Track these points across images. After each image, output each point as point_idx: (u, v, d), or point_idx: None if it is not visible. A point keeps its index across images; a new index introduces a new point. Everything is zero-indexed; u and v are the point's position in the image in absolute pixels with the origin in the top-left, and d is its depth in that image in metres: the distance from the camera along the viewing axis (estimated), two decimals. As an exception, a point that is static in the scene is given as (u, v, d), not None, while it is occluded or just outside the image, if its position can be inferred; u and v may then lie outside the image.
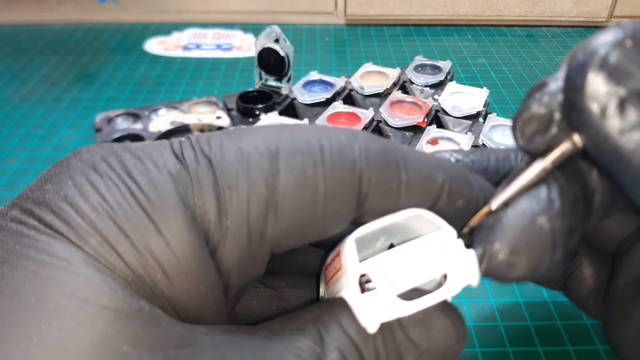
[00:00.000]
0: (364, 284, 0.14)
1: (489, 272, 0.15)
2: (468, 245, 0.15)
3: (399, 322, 0.15)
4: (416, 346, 0.15)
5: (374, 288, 0.14)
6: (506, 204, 0.15)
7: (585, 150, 0.15)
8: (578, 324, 0.28)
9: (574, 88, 0.14)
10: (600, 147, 0.14)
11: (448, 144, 0.38)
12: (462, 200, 0.16)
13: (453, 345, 0.15)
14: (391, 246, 0.17)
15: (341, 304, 0.15)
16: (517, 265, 0.15)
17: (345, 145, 0.15)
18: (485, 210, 0.16)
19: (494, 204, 0.16)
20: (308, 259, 0.19)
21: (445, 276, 0.15)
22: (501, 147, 0.37)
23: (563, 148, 0.15)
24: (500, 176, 0.18)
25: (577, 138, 0.14)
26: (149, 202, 0.13)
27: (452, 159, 0.19)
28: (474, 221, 0.16)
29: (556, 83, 0.15)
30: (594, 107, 0.13)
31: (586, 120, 0.14)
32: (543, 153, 0.15)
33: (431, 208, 0.16)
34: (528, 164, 0.16)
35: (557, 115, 0.15)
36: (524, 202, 0.15)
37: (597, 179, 0.16)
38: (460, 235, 0.15)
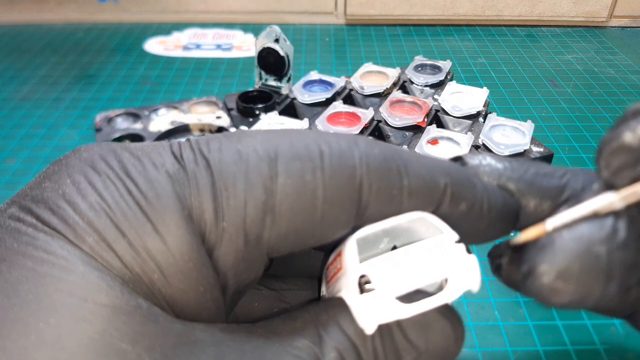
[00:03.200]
0: (363, 285, 0.14)
1: (531, 293, 0.14)
2: (469, 250, 0.15)
3: (398, 322, 0.14)
4: (414, 347, 0.14)
5: (373, 289, 0.14)
6: (564, 226, 0.14)
7: None
8: (578, 323, 0.28)
9: None
10: None
11: (448, 143, 0.38)
12: (465, 204, 0.16)
13: (451, 346, 0.15)
14: (394, 249, 0.17)
15: (340, 304, 0.15)
16: (563, 292, 0.14)
17: (346, 152, 0.14)
18: (540, 228, 0.15)
19: (550, 224, 0.14)
20: (310, 261, 0.19)
21: (446, 280, 0.15)
22: (509, 149, 0.36)
23: None
24: (534, 189, 0.16)
25: None
26: (146, 201, 0.13)
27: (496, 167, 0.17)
28: (524, 237, 0.15)
29: None
30: None
31: None
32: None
33: (434, 212, 0.15)
34: (600, 190, 0.14)
35: None
36: (584, 227, 0.14)
37: None
38: (462, 240, 0.15)
